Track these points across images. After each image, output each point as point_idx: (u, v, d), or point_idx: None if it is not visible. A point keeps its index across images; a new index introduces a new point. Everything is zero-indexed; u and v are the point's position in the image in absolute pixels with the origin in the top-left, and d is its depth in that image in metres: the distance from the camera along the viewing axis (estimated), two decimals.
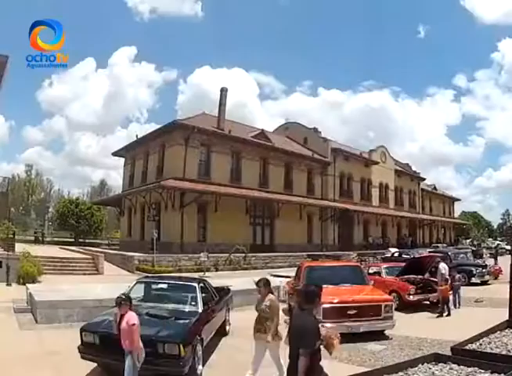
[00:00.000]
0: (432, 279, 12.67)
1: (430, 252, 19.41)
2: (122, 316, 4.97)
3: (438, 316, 10.88)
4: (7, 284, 13.79)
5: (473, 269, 18.02)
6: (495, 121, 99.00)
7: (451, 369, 3.51)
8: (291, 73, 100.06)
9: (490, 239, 66.07)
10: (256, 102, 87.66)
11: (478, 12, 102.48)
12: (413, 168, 49.94)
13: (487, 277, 18.04)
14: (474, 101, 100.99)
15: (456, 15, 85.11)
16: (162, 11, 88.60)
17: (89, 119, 76.84)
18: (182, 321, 6.28)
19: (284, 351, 4.39)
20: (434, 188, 54.92)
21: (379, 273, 13.19)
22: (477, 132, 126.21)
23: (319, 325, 3.83)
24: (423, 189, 49.53)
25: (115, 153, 34.21)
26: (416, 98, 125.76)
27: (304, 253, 24.01)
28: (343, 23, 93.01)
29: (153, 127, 53.06)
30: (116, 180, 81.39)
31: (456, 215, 65.61)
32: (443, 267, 11.95)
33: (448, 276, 11.67)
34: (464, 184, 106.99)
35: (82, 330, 5.83)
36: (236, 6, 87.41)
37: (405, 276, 12.40)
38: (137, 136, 29.86)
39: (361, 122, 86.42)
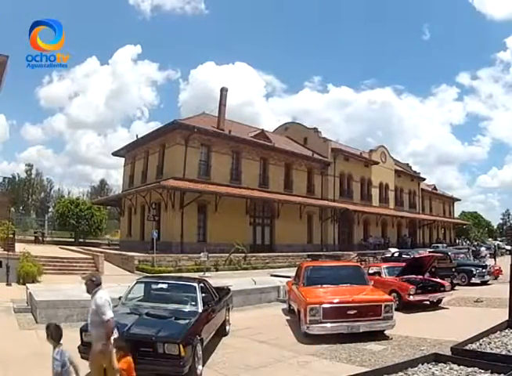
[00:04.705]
0: (432, 279, 12.72)
1: (430, 252, 19.40)
2: None
3: None
4: (7, 284, 13.78)
5: (473, 269, 18.04)
6: (498, 121, 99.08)
7: (451, 369, 3.52)
8: (295, 71, 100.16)
9: (490, 239, 66.12)
10: (262, 100, 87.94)
11: (486, 10, 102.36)
12: (415, 168, 50.17)
13: (487, 277, 18.05)
14: (477, 99, 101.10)
15: (461, 12, 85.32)
16: (165, 9, 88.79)
17: (91, 117, 76.94)
18: (181, 321, 6.28)
19: None
20: (434, 188, 55.00)
21: (379, 273, 13.18)
22: (481, 132, 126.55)
23: None
24: (423, 190, 49.55)
25: (115, 153, 34.17)
26: (420, 96, 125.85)
27: (304, 253, 24.08)
28: (346, 22, 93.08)
29: (156, 125, 53.25)
30: (116, 180, 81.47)
31: (457, 214, 65.63)
32: None
33: None
34: (467, 183, 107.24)
35: (82, 330, 5.81)
36: (239, 4, 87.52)
37: (405, 276, 12.41)
38: (137, 136, 29.91)
39: (367, 121, 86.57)
